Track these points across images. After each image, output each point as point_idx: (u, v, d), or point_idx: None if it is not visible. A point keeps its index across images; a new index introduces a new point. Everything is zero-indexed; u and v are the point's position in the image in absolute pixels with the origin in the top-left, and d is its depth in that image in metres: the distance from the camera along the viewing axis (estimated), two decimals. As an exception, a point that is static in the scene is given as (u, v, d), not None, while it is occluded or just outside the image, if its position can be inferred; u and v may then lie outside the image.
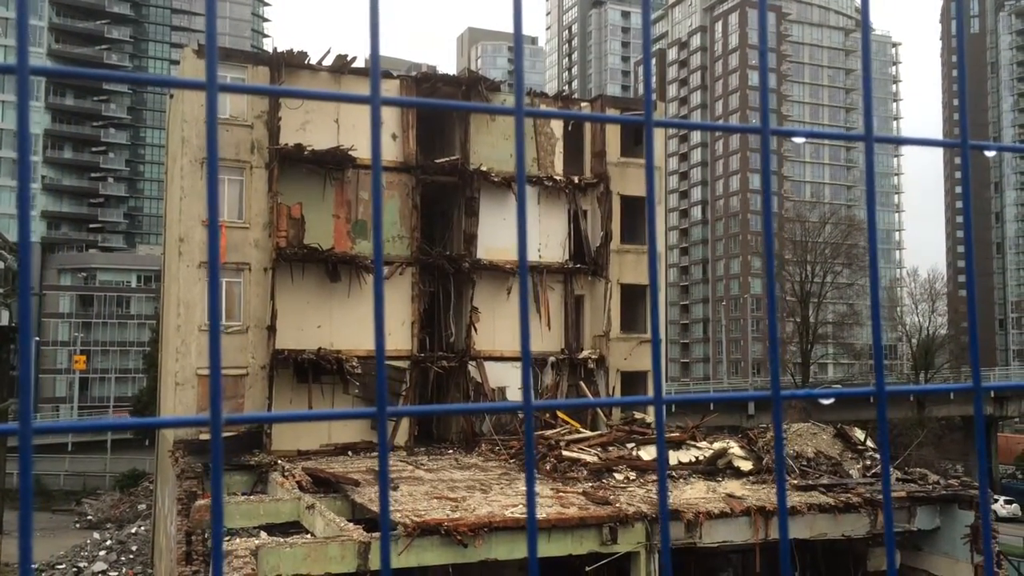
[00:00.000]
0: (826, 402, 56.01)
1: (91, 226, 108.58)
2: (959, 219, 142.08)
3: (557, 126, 31.67)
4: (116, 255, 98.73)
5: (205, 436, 25.94)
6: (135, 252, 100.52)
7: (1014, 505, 54.87)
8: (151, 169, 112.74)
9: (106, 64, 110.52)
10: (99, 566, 36.74)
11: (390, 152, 29.18)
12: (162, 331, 37.57)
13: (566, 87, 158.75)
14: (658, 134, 33.74)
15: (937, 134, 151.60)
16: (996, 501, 20.02)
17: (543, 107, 31.60)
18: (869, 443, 22.92)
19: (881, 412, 1.53)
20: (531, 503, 1.18)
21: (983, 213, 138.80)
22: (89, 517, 48.79)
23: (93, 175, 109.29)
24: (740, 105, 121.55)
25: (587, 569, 18.18)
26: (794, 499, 19.04)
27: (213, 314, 1.09)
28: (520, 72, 1.31)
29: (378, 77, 1.24)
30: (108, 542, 39.65)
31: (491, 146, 30.33)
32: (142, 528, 40.86)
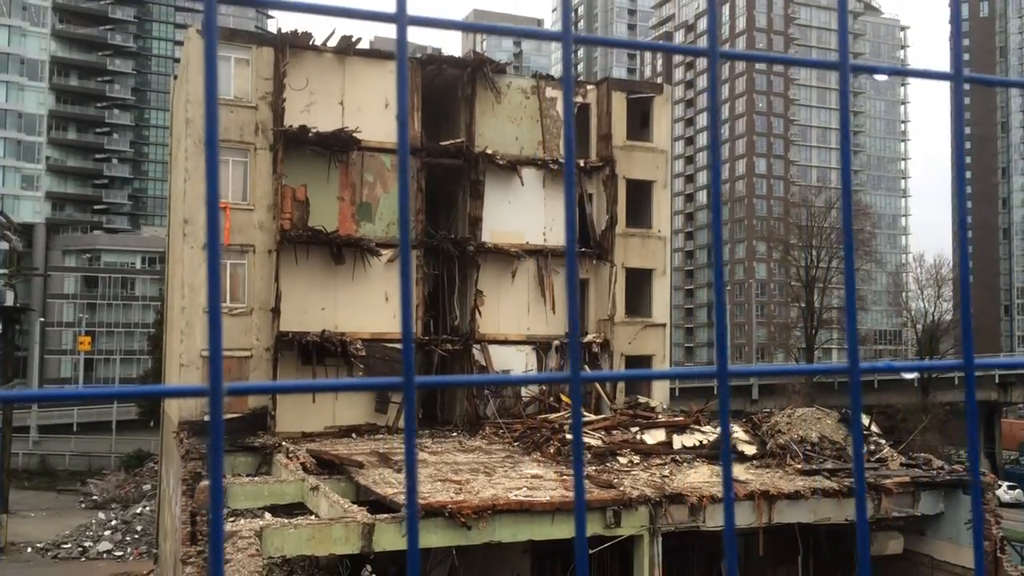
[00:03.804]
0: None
1: (96, 207, 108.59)
2: (968, 204, 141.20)
3: (563, 109, 31.44)
4: (121, 236, 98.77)
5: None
6: (140, 234, 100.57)
7: (1017, 491, 54.94)
8: (155, 150, 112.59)
9: (110, 44, 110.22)
10: (104, 546, 36.96)
11: (395, 134, 28.90)
12: (167, 313, 37.61)
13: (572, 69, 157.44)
14: (665, 117, 33.55)
15: (945, 117, 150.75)
16: (999, 487, 20.03)
17: (549, 90, 31.41)
18: (874, 428, 22.89)
19: (969, 385, 1.46)
20: (579, 473, 1.12)
21: (990, 199, 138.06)
22: (94, 497, 49.04)
23: (97, 156, 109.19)
24: (747, 88, 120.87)
25: (591, 552, 18.21)
26: (797, 483, 19.03)
27: (212, 276, 1.03)
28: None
29: None
30: (113, 522, 39.86)
31: (497, 129, 30.17)
32: (147, 508, 41.05)
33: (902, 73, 1.62)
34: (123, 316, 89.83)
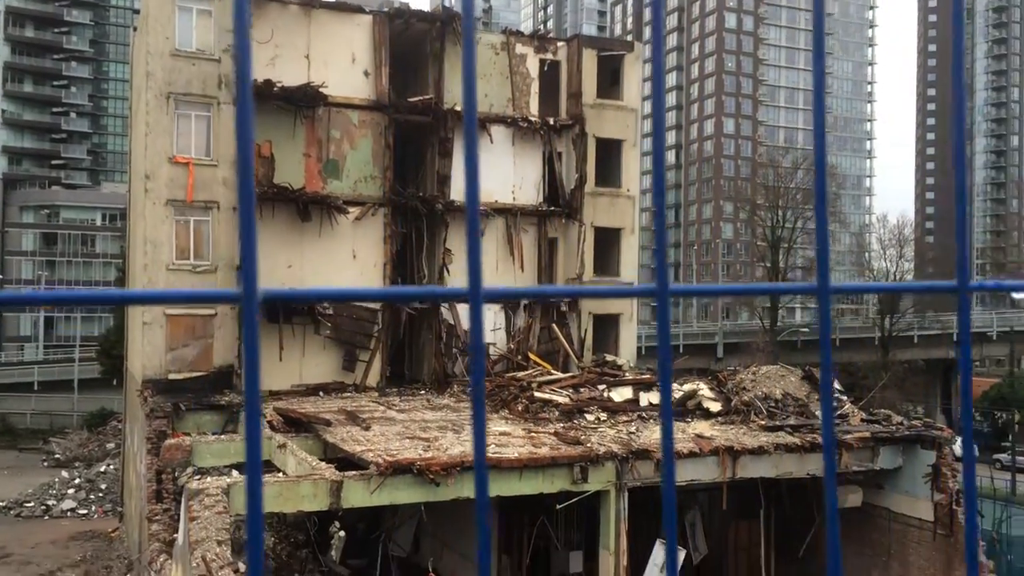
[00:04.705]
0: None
1: (54, 162, 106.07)
2: (929, 165, 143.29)
3: (533, 66, 31.15)
4: (80, 192, 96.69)
5: (174, 376, 25.76)
6: (99, 190, 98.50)
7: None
8: (115, 104, 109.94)
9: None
10: (68, 504, 36.73)
11: (362, 90, 28.59)
12: (128, 270, 37.03)
13: (541, 26, 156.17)
14: (635, 75, 33.34)
15: (912, 81, 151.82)
16: (956, 442, 20.61)
17: (519, 46, 31.06)
18: (836, 385, 23.30)
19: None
20: (667, 411, 1.08)
21: (952, 159, 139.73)
22: (57, 456, 48.59)
23: (55, 110, 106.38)
24: (716, 48, 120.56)
25: (558, 507, 18.44)
26: (761, 439, 19.36)
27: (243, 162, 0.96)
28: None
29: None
30: (77, 480, 39.58)
31: (465, 85, 29.76)
32: (111, 467, 40.79)
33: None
34: (83, 274, 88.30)
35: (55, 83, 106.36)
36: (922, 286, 1.53)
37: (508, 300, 29.55)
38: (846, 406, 22.22)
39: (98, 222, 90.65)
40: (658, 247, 1.22)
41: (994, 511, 30.97)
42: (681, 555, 18.61)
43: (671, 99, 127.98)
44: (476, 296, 1.06)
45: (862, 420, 21.38)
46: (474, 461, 1.00)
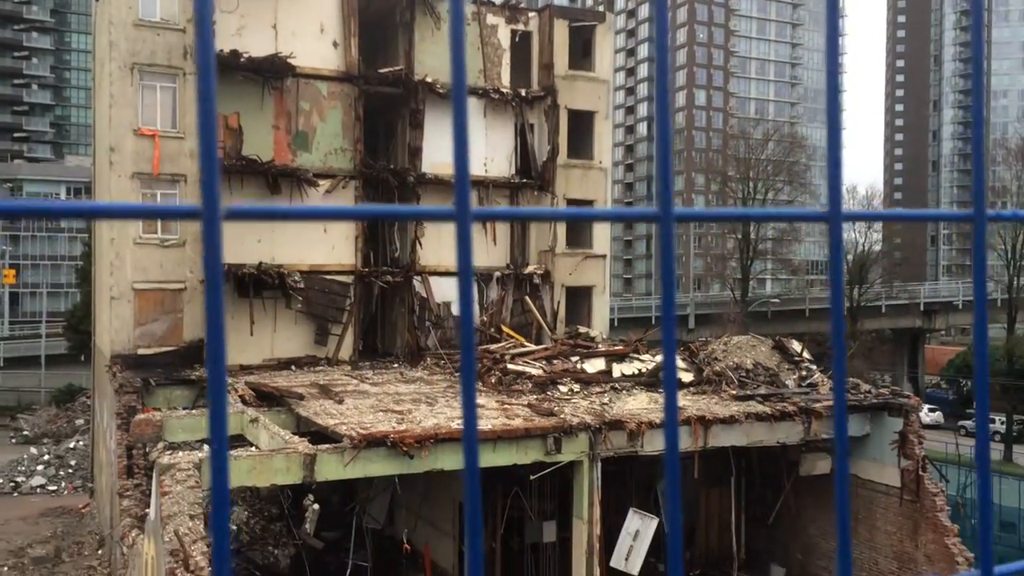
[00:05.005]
0: None
1: (16, 135, 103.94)
2: (898, 136, 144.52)
3: (504, 37, 30.87)
4: (43, 166, 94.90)
5: (143, 351, 25.48)
6: (63, 163, 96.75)
7: (937, 413, 57.66)
8: (78, 76, 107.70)
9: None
10: (37, 480, 36.40)
11: (331, 61, 28.19)
12: (95, 245, 36.45)
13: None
14: (607, 46, 33.18)
15: (881, 58, 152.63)
16: (920, 409, 21.00)
17: (490, 16, 30.75)
18: (805, 355, 23.57)
19: None
20: (669, 341, 1.05)
21: (921, 130, 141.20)
22: (25, 432, 48.03)
23: (16, 82, 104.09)
24: (688, 19, 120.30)
25: (532, 478, 18.55)
26: (732, 408, 19.56)
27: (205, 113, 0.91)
28: None
29: None
30: (46, 457, 39.18)
31: (437, 56, 29.48)
32: (80, 443, 40.40)
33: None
34: (48, 248, 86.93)
35: (16, 55, 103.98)
36: (940, 215, 1.53)
37: (496, 220, 29.51)
38: (816, 375, 22.50)
39: (62, 196, 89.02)
40: (662, 170, 1.18)
41: (959, 476, 31.64)
42: (653, 524, 18.82)
43: (643, 71, 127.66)
44: (464, 215, 1.01)
45: (831, 389, 21.65)
46: (462, 399, 0.96)
